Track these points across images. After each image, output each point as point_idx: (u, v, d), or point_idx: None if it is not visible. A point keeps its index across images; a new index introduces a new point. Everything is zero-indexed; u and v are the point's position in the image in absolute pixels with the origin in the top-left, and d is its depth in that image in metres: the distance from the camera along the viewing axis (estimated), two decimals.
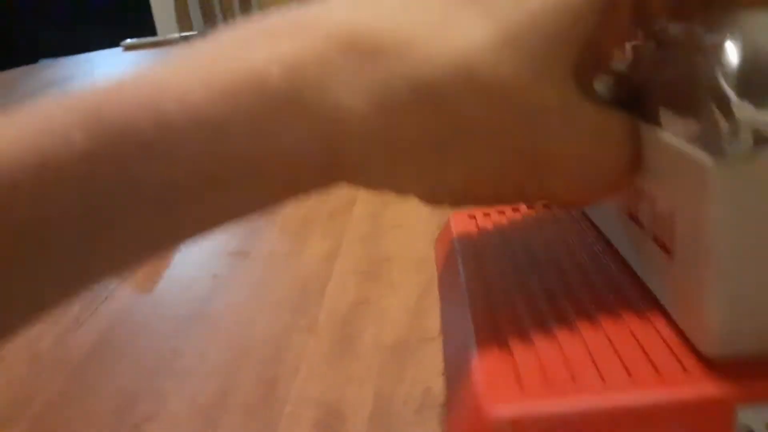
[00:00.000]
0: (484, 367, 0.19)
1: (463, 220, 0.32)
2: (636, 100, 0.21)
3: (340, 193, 0.57)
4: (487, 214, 0.32)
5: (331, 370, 0.37)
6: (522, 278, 0.25)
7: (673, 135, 0.18)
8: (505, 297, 0.23)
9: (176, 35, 1.93)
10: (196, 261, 0.50)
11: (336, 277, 0.46)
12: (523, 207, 0.32)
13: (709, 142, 0.16)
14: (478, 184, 0.21)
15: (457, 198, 0.22)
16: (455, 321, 0.24)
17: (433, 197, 0.22)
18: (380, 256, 0.48)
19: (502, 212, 0.32)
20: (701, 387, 0.16)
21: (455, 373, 0.21)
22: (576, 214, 0.30)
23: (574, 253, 0.26)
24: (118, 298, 0.46)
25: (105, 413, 0.35)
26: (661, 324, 0.19)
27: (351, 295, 0.44)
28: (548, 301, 0.22)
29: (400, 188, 0.22)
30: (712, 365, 0.17)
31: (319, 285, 0.45)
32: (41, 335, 0.42)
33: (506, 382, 0.18)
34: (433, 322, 0.40)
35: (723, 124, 0.15)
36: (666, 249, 0.20)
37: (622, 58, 0.22)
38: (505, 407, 0.17)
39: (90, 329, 0.43)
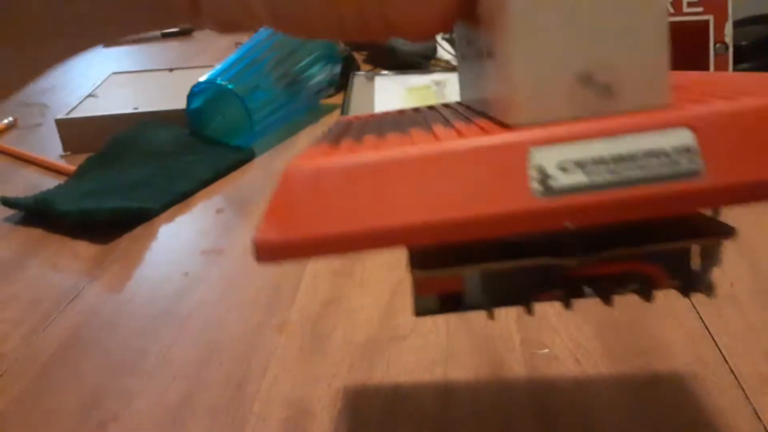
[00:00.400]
0: (321, 148, 0.20)
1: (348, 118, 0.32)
2: None
3: None
4: (372, 114, 0.32)
5: (300, 368, 0.37)
6: (388, 121, 0.25)
7: None
8: (365, 126, 0.24)
9: None
10: (169, 259, 0.49)
11: (308, 277, 0.46)
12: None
13: None
14: None
15: (300, 12, 0.22)
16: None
17: (271, 11, 0.22)
18: (352, 256, 0.48)
19: (386, 113, 0.32)
20: (496, 136, 0.17)
21: None
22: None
23: (438, 113, 0.27)
24: (86, 297, 0.45)
25: (70, 412, 0.35)
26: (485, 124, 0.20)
27: (322, 295, 0.43)
28: (400, 126, 0.23)
29: (240, 2, 0.22)
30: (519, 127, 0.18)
31: (292, 284, 0.45)
32: (8, 335, 0.41)
33: (327, 153, 0.18)
34: (403, 321, 0.40)
35: None
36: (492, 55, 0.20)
37: None
38: (308, 162, 0.18)
39: (57, 328, 0.42)
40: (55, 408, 0.35)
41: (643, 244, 0.22)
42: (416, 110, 0.30)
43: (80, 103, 0.78)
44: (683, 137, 0.16)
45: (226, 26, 0.24)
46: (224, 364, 0.37)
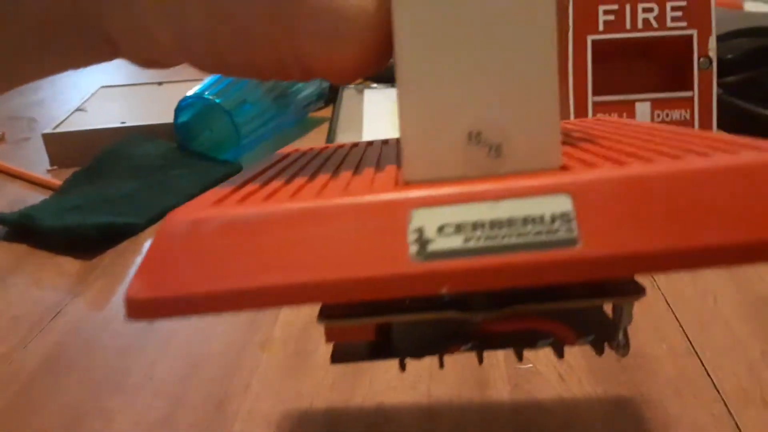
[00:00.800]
0: (216, 196, 0.19)
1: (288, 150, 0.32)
2: None
3: None
4: (311, 148, 0.32)
5: (283, 386, 0.36)
6: (314, 163, 0.25)
7: None
8: (286, 167, 0.24)
9: None
10: None
11: None
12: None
13: None
14: (226, 33, 0.21)
15: (211, 51, 0.22)
16: None
17: (185, 50, 0.22)
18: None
19: (327, 146, 0.32)
20: (380, 195, 0.16)
21: None
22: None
23: (372, 149, 0.26)
24: (69, 314, 0.45)
25: (51, 431, 0.34)
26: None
27: (306, 312, 0.43)
28: (312, 168, 0.23)
29: (149, 33, 0.22)
30: (407, 184, 0.18)
31: None
32: None
33: (214, 203, 0.18)
34: None
35: None
36: None
37: None
38: (185, 215, 0.17)
39: (39, 346, 0.42)
40: (35, 427, 0.35)
41: (550, 301, 0.21)
42: (369, 144, 0.30)
43: (68, 117, 0.78)
44: (562, 204, 0.16)
45: (145, 63, 0.24)
46: (206, 382, 0.37)
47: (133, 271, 0.50)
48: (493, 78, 0.17)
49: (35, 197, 0.63)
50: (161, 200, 0.60)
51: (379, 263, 0.16)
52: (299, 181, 0.20)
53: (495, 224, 0.16)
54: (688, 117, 0.60)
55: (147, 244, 0.54)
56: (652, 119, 0.60)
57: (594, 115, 0.60)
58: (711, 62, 0.60)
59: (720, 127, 0.64)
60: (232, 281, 0.16)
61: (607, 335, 0.23)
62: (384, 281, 0.16)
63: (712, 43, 0.60)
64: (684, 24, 0.60)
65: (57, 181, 0.66)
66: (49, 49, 0.23)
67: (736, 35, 0.82)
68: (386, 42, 0.19)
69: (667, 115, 0.60)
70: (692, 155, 0.17)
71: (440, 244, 0.16)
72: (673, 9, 0.60)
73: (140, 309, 0.16)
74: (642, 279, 0.45)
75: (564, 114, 0.62)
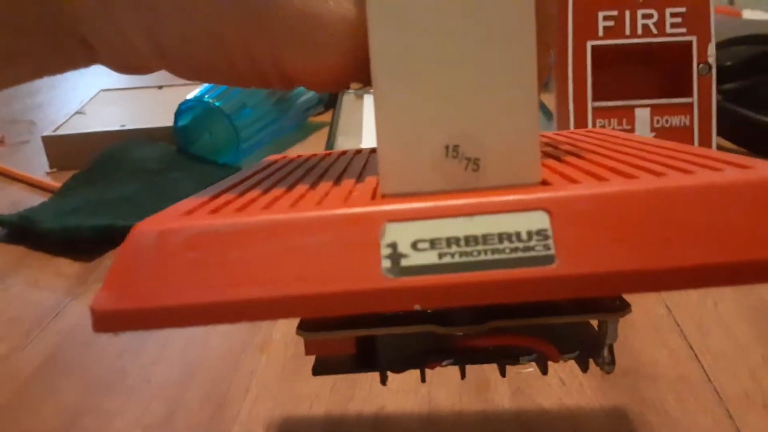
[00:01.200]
0: (188, 206, 0.19)
1: (274, 157, 0.32)
2: None
3: None
4: (300, 155, 0.31)
5: (282, 389, 0.36)
6: (297, 172, 0.24)
7: None
8: (253, 179, 0.23)
9: None
10: None
11: None
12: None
13: None
14: (204, 41, 0.21)
15: (190, 59, 0.21)
16: None
17: (164, 57, 0.22)
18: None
19: (315, 154, 0.31)
20: (353, 208, 0.16)
21: None
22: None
23: (356, 161, 0.26)
24: (68, 316, 0.45)
25: (48, 431, 0.34)
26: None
27: None
28: (291, 179, 0.22)
29: (125, 39, 0.22)
30: (382, 198, 0.17)
31: None
32: None
33: (185, 214, 0.17)
34: None
35: None
36: None
37: None
38: (152, 226, 0.16)
39: (37, 347, 0.41)
40: (32, 427, 0.35)
41: (533, 317, 0.21)
42: (358, 152, 0.30)
43: (68, 120, 0.78)
44: (539, 221, 0.15)
45: (123, 69, 0.24)
46: (205, 384, 0.37)
47: None
48: (471, 90, 0.17)
49: (34, 200, 0.63)
50: (160, 203, 0.59)
51: (351, 278, 0.15)
52: (275, 192, 0.19)
53: (470, 240, 0.15)
54: (687, 123, 0.60)
55: None
56: (652, 125, 0.60)
57: (593, 121, 0.60)
58: (710, 68, 0.60)
59: (719, 133, 0.64)
60: (199, 295, 0.16)
61: (592, 351, 0.23)
62: (356, 297, 0.15)
63: (712, 49, 0.60)
64: (683, 30, 0.61)
65: (56, 184, 0.66)
66: (23, 56, 0.23)
67: (734, 43, 0.83)
68: (364, 47, 0.19)
69: (667, 121, 0.60)
70: (675, 172, 0.17)
71: (414, 259, 0.15)
72: (673, 15, 0.60)
73: (104, 321, 0.16)
74: None
75: (563, 119, 0.62)
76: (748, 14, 0.96)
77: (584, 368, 0.24)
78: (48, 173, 0.71)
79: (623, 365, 0.37)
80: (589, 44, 0.61)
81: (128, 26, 0.21)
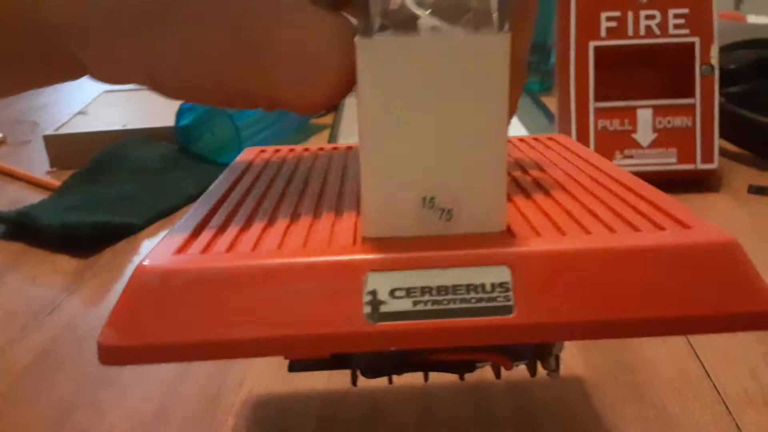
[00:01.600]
0: (182, 235, 0.20)
1: (253, 152, 0.33)
2: None
3: None
4: (278, 150, 0.33)
5: (277, 382, 0.36)
6: (275, 185, 0.26)
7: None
8: (236, 196, 0.24)
9: None
10: None
11: None
12: (312, 147, 0.33)
13: (361, 23, 0.17)
14: (198, 70, 0.21)
15: (181, 84, 0.22)
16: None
17: (155, 81, 0.22)
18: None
19: (292, 150, 0.33)
20: (338, 256, 0.18)
21: None
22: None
23: (333, 173, 0.27)
24: (64, 311, 0.44)
25: (42, 424, 0.34)
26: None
27: None
28: (273, 202, 0.23)
29: (123, 66, 0.22)
30: (364, 243, 0.18)
31: None
32: None
33: (182, 246, 0.19)
34: None
35: (369, 6, 0.17)
36: None
37: None
38: (156, 265, 0.18)
39: (33, 341, 0.41)
40: (26, 420, 0.34)
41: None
42: (335, 149, 0.32)
43: (69, 120, 0.78)
44: (502, 275, 0.17)
45: (116, 82, 0.24)
46: (200, 377, 0.37)
47: (129, 270, 0.50)
48: (447, 149, 0.18)
49: (34, 198, 0.62)
50: (160, 201, 0.60)
51: (336, 322, 0.17)
52: (259, 224, 0.21)
53: (442, 290, 0.17)
54: (690, 124, 0.60)
55: (145, 244, 0.54)
56: (654, 126, 0.60)
57: (595, 121, 0.60)
58: (713, 70, 0.60)
59: (722, 136, 0.64)
60: (198, 334, 0.17)
61: (540, 358, 0.25)
62: (340, 339, 0.17)
63: (714, 50, 0.60)
64: (686, 32, 0.60)
65: (56, 182, 0.65)
66: (19, 69, 0.23)
67: (739, 47, 0.82)
68: (350, 79, 0.21)
69: (669, 122, 0.60)
70: (624, 226, 0.19)
71: (392, 306, 0.17)
72: (675, 17, 0.60)
73: (111, 355, 0.17)
74: None
75: (565, 120, 0.62)
76: (753, 19, 0.95)
77: (532, 373, 0.26)
78: (48, 172, 0.71)
79: (623, 362, 0.36)
80: (592, 45, 0.61)
81: (125, 53, 0.22)
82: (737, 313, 0.17)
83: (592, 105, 0.60)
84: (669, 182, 0.60)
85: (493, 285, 0.17)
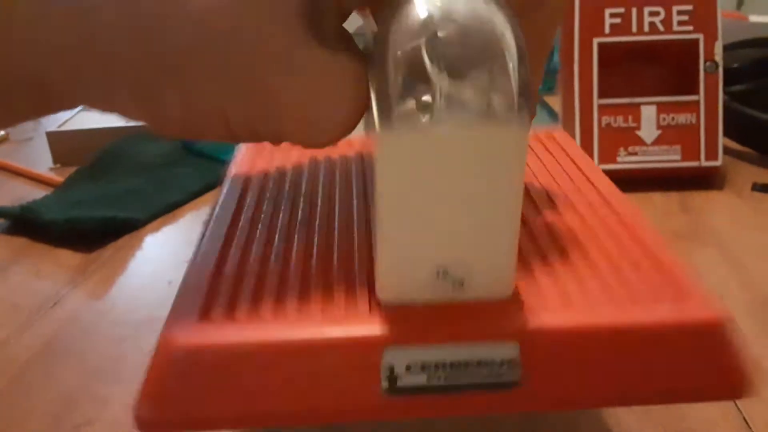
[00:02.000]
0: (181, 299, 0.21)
1: (251, 150, 0.33)
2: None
3: None
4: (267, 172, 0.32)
5: None
6: (272, 214, 0.26)
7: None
8: (245, 227, 0.25)
9: None
10: (153, 268, 0.49)
11: None
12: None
13: (382, 109, 0.17)
14: (203, 116, 0.21)
15: (187, 127, 0.21)
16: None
17: (157, 123, 0.21)
18: None
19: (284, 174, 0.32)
20: (358, 329, 0.19)
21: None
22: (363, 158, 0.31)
23: (341, 188, 0.28)
24: (67, 304, 0.44)
25: (44, 416, 0.34)
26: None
27: None
28: (283, 238, 0.24)
29: (123, 110, 0.21)
30: (379, 310, 0.19)
31: None
32: None
33: (195, 311, 0.20)
34: None
35: (391, 94, 0.17)
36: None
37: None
38: (181, 339, 0.19)
39: (36, 333, 0.41)
40: (28, 412, 0.34)
41: None
42: (343, 160, 0.31)
43: (73, 116, 0.78)
44: (511, 351, 0.18)
45: (108, 113, 0.23)
46: None
47: (133, 264, 0.50)
48: (462, 227, 0.18)
49: (38, 194, 0.62)
50: (164, 197, 0.60)
51: (355, 395, 0.18)
52: (274, 272, 0.22)
53: (454, 365, 0.18)
54: (694, 121, 0.60)
55: (147, 239, 0.54)
56: (658, 123, 0.60)
57: (599, 118, 0.60)
58: (717, 67, 0.60)
59: (726, 134, 0.63)
60: (225, 407, 0.18)
61: None
62: (358, 411, 0.18)
63: (719, 47, 0.60)
64: (690, 28, 0.60)
65: (59, 179, 0.65)
66: (8, 103, 0.22)
67: (742, 45, 0.82)
68: (360, 115, 0.21)
69: (673, 119, 0.60)
70: (634, 308, 0.19)
71: (407, 380, 0.18)
72: (679, 13, 0.60)
73: (150, 426, 0.19)
74: None
75: (569, 117, 0.62)
76: (755, 19, 0.95)
77: None
78: (51, 169, 0.71)
79: None
80: (596, 41, 0.60)
81: (125, 102, 0.21)
82: (713, 393, 0.20)
83: (596, 102, 0.60)
84: (673, 179, 0.60)
85: (502, 361, 0.18)
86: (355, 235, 0.24)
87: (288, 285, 0.21)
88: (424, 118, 0.17)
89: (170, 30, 0.19)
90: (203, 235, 0.25)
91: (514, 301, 0.20)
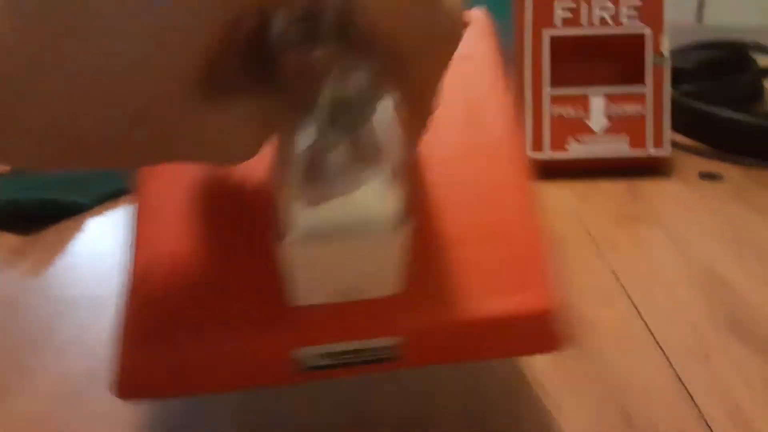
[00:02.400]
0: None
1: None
2: None
3: None
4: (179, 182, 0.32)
5: None
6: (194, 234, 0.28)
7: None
8: (169, 243, 0.28)
9: None
10: (93, 250, 0.48)
11: None
12: None
13: (284, 222, 0.21)
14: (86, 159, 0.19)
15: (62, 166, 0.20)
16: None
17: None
18: None
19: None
20: (274, 335, 0.24)
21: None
22: None
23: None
24: (3, 283, 0.43)
25: None
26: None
27: None
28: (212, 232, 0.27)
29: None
30: (292, 314, 0.24)
31: None
32: None
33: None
34: None
35: (290, 211, 0.20)
36: None
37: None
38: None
39: None
40: None
41: None
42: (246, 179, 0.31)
43: None
44: (389, 342, 0.24)
45: None
46: None
47: (72, 245, 0.48)
48: (357, 277, 0.23)
49: None
50: (110, 183, 0.59)
51: (275, 378, 0.25)
52: (198, 282, 0.25)
53: (349, 353, 0.24)
54: (641, 111, 0.61)
55: (89, 222, 0.52)
56: (607, 113, 0.61)
57: (550, 108, 0.61)
58: (664, 59, 0.61)
59: (678, 129, 0.65)
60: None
61: None
62: (280, 382, 0.25)
63: (665, 41, 0.61)
64: (638, 23, 0.61)
65: (6, 167, 0.64)
66: None
67: (696, 48, 0.84)
68: (261, 146, 0.21)
69: (621, 109, 0.61)
70: (470, 303, 0.24)
71: (316, 363, 0.24)
72: (628, 8, 0.61)
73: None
74: (589, 252, 0.45)
75: (519, 108, 0.62)
76: (709, 20, 0.98)
77: None
78: None
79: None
80: (547, 34, 0.61)
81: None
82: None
83: (546, 92, 0.61)
84: (623, 168, 0.61)
85: (384, 347, 0.24)
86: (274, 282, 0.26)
87: (212, 294, 0.25)
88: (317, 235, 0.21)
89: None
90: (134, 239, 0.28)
91: (396, 299, 0.24)
